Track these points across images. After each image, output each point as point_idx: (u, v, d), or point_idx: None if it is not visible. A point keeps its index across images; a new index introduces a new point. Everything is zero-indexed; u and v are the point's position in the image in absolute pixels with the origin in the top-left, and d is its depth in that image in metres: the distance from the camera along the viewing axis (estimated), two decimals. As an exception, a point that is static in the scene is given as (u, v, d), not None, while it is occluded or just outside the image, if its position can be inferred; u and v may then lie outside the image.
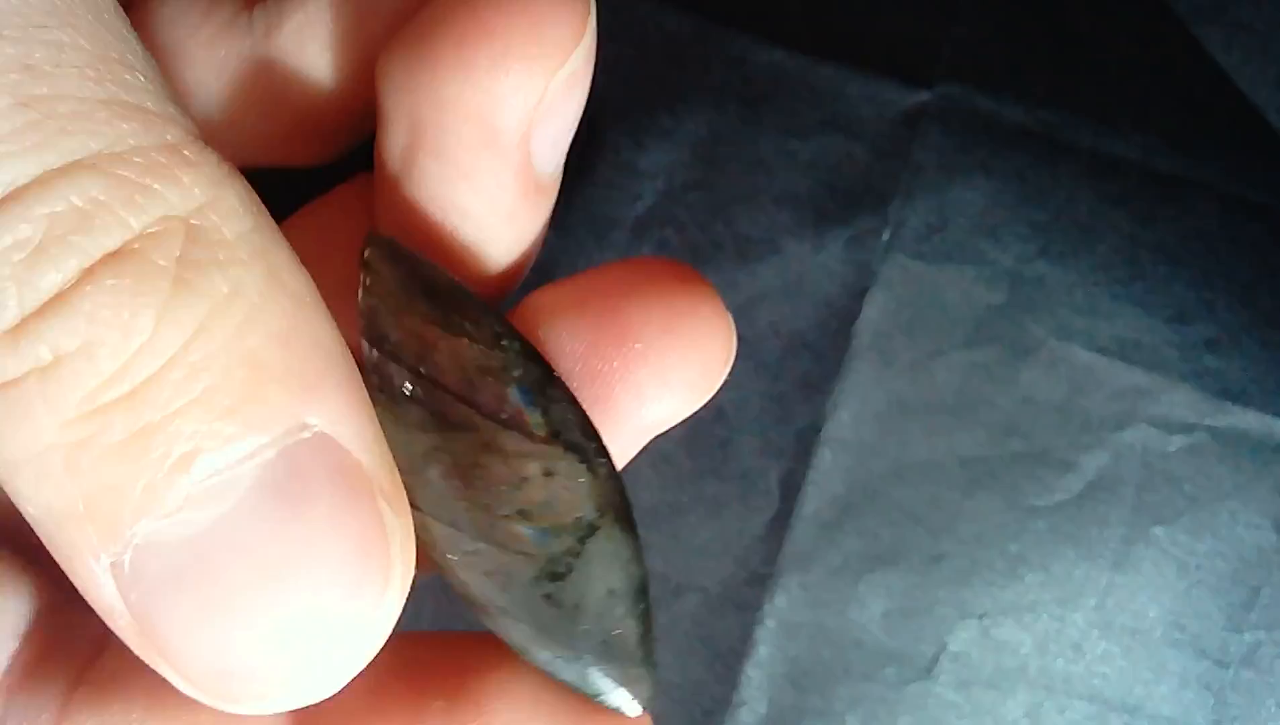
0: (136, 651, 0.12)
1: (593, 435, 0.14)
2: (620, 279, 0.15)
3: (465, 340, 0.13)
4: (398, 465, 0.13)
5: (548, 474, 0.14)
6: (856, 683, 0.23)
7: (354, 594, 0.12)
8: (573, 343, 0.14)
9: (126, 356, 0.10)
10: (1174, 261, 0.22)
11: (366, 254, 0.14)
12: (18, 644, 0.13)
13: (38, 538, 0.13)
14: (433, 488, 0.13)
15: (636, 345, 0.14)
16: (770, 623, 0.23)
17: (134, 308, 0.10)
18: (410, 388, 0.13)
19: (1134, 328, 0.22)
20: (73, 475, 0.11)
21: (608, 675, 0.14)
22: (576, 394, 0.14)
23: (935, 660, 0.22)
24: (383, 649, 0.12)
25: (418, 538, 0.13)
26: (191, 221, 0.11)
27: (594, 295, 0.15)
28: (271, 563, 0.11)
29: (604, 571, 0.14)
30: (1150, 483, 0.22)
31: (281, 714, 0.13)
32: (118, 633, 0.12)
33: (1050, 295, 0.22)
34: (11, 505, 0.14)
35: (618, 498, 0.14)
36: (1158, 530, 0.22)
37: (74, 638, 0.13)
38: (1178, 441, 0.22)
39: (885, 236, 0.23)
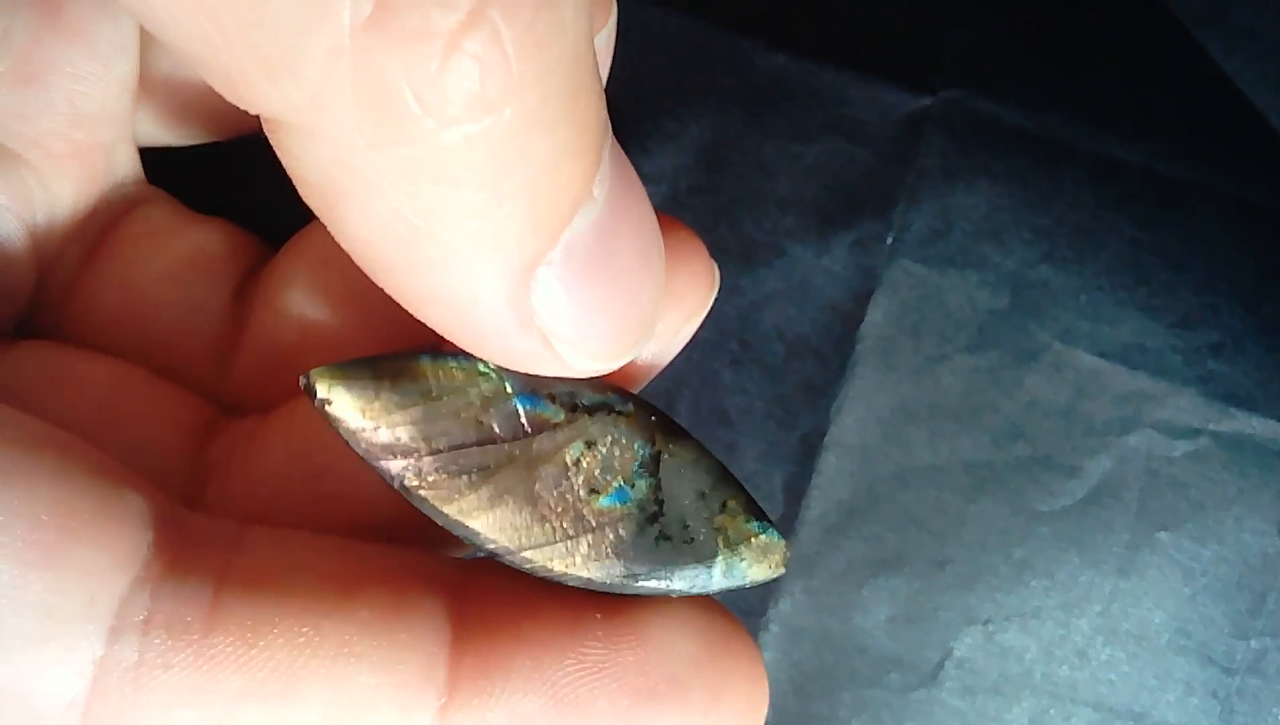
0: (517, 358, 0.13)
1: (602, 384, 0.15)
2: None
3: (446, 397, 0.14)
4: (475, 529, 0.14)
5: (590, 445, 0.14)
6: (860, 688, 0.22)
7: (659, 255, 0.13)
8: None
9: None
10: (1177, 266, 0.22)
11: (318, 397, 0.14)
12: (152, 536, 0.13)
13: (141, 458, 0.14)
14: (512, 525, 0.14)
15: None
16: (774, 628, 0.22)
17: None
18: (439, 467, 0.14)
19: (1138, 332, 0.22)
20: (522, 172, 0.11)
21: (743, 559, 0.15)
22: None
23: (940, 666, 0.22)
24: None
25: (525, 572, 0.14)
26: None
27: None
28: (639, 232, 0.13)
29: (685, 484, 0.15)
30: (1155, 488, 0.22)
31: (446, 621, 0.14)
32: (501, 355, 0.13)
33: (1054, 300, 0.22)
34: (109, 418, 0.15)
35: (656, 418, 0.15)
36: (1163, 536, 0.22)
37: (202, 541, 0.13)
38: (1182, 447, 0.22)
39: (889, 240, 0.23)
